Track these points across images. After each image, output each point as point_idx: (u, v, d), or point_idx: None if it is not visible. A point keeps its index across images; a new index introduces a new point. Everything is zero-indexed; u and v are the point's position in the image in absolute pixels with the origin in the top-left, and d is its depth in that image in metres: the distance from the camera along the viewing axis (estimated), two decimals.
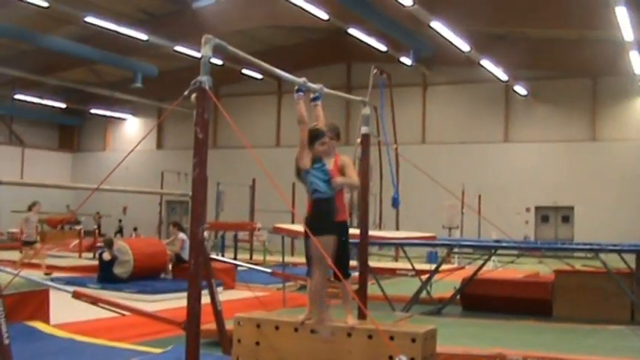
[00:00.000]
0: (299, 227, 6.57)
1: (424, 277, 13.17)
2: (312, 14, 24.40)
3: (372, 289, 10.14)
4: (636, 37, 23.06)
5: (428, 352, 6.13)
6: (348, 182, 6.70)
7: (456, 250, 16.87)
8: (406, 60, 30.70)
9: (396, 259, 22.92)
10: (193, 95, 5.36)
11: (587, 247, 12.54)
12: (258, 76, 35.44)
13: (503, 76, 31.60)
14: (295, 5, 23.38)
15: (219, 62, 28.11)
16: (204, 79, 5.23)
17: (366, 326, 6.26)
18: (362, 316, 6.83)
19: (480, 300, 12.70)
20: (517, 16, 25.74)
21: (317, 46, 34.93)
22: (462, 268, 17.28)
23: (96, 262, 15.62)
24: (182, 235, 15.50)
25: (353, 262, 8.57)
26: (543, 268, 17.90)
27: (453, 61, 31.19)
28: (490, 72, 30.84)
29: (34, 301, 8.92)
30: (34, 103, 39.34)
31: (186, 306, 5.11)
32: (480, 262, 14.01)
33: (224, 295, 11.29)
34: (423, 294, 12.68)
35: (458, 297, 12.97)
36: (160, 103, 39.72)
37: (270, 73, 6.32)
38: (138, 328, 9.02)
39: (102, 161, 41.74)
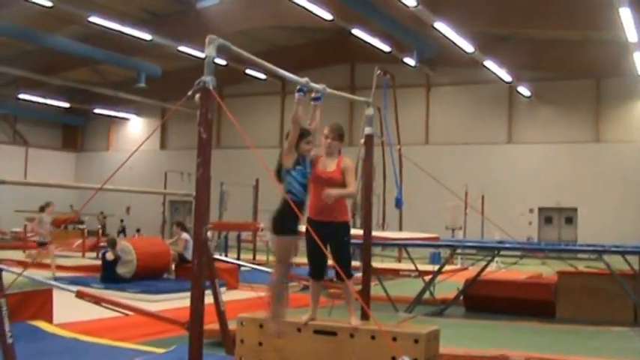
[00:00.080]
0: (302, 228, 6.55)
1: (427, 277, 13.16)
2: (316, 14, 24.39)
3: (375, 289, 10.14)
4: None
5: (431, 353, 6.13)
6: (343, 194, 6.57)
7: (459, 251, 16.84)
8: (410, 61, 30.69)
9: (399, 259, 22.89)
10: (197, 95, 5.36)
11: (591, 248, 12.51)
12: (262, 76, 35.44)
13: (507, 77, 31.58)
14: (299, 5, 23.37)
15: (223, 62, 28.11)
16: (209, 80, 5.23)
17: (369, 327, 6.26)
18: (365, 316, 6.83)
19: (483, 301, 12.69)
20: (521, 17, 25.72)
21: (320, 46, 34.93)
22: (465, 269, 17.26)
23: (99, 262, 15.62)
24: (185, 235, 15.50)
25: (356, 263, 8.58)
26: (546, 270, 17.88)
27: (456, 62, 31.16)
28: (494, 73, 30.82)
29: (38, 301, 8.93)
30: (37, 102, 39.35)
31: (190, 306, 5.11)
32: (483, 263, 13.98)
33: (227, 296, 11.27)
34: (426, 295, 12.66)
35: (461, 298, 12.96)
36: (164, 103, 39.76)
37: (274, 73, 6.32)
38: (141, 327, 9.02)
39: (105, 161, 41.75)
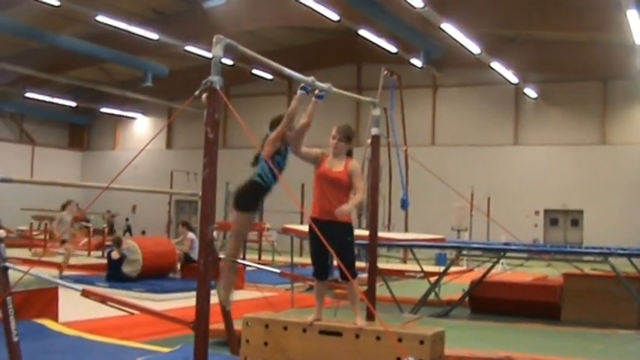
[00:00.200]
0: (307, 228, 6.56)
1: (433, 279, 13.17)
2: (323, 15, 24.39)
3: (381, 290, 10.13)
4: None
5: (436, 354, 6.13)
6: (355, 204, 6.59)
7: (464, 252, 16.85)
8: (416, 61, 30.70)
9: (404, 260, 22.87)
10: (204, 95, 5.36)
11: (597, 250, 12.51)
12: (269, 76, 35.46)
13: (514, 79, 31.56)
14: (306, 6, 23.37)
15: (230, 62, 28.14)
16: (216, 79, 5.22)
17: (374, 327, 6.25)
18: (370, 317, 6.82)
19: (489, 303, 12.69)
20: (528, 19, 25.71)
21: (327, 46, 34.93)
22: (471, 270, 17.27)
23: (105, 261, 15.64)
24: (191, 235, 15.51)
25: (361, 264, 8.57)
26: (552, 272, 17.85)
27: (463, 63, 31.14)
28: (500, 74, 30.80)
29: (43, 299, 8.95)
30: (44, 101, 39.45)
31: (195, 305, 5.11)
32: (489, 264, 13.98)
33: (232, 295, 11.28)
34: (432, 296, 12.66)
35: (466, 299, 12.95)
36: (170, 102, 39.80)
37: (280, 72, 6.31)
38: (146, 327, 9.03)
39: (111, 160, 41.83)
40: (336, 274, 6.69)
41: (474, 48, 27.08)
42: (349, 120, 31.39)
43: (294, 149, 6.66)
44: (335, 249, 5.88)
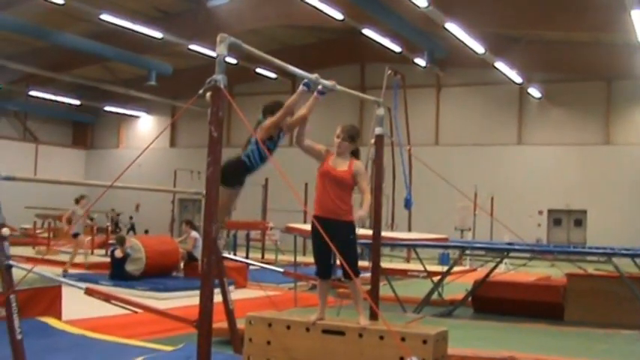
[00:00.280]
0: (307, 227, 6.56)
1: (436, 278, 13.17)
2: (327, 14, 24.39)
3: (384, 289, 10.12)
4: None
5: (439, 353, 6.13)
6: (368, 205, 6.52)
7: (468, 252, 16.83)
8: (420, 61, 30.69)
9: (407, 260, 22.89)
10: (208, 94, 5.37)
11: (600, 251, 12.49)
12: (272, 75, 35.47)
13: (518, 79, 31.54)
14: (309, 5, 23.37)
15: (234, 61, 28.15)
16: (220, 78, 5.23)
17: (377, 327, 6.24)
18: (374, 316, 6.82)
19: (492, 302, 12.68)
20: (532, 19, 25.70)
21: (331, 46, 34.91)
22: (474, 270, 17.26)
23: (108, 259, 15.66)
24: (194, 234, 15.51)
25: (365, 263, 8.57)
26: (555, 272, 17.83)
27: (467, 62, 31.15)
28: (504, 74, 30.77)
29: (47, 297, 8.97)
30: (48, 99, 39.49)
31: (199, 304, 5.11)
32: (492, 264, 13.97)
33: (236, 294, 11.30)
34: (435, 296, 12.66)
35: (469, 299, 12.95)
36: (174, 101, 39.80)
37: (284, 70, 6.32)
38: (149, 325, 9.04)
39: (115, 158, 41.85)
40: (339, 273, 6.68)
41: (478, 48, 27.07)
42: (353, 119, 31.39)
43: (297, 141, 6.72)
44: (337, 247, 5.88)
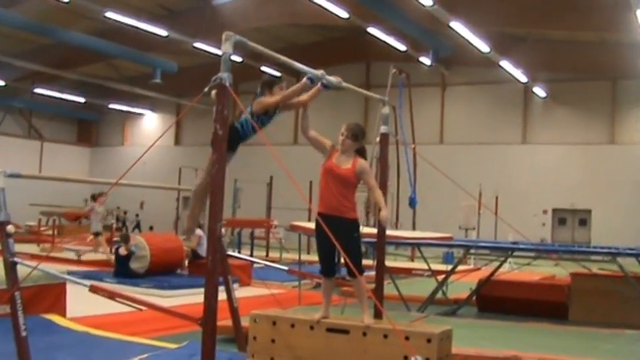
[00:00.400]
0: (312, 225, 6.56)
1: (440, 277, 13.15)
2: (332, 12, 24.39)
3: (388, 288, 10.12)
4: None
5: (443, 352, 6.12)
6: (383, 203, 6.60)
7: (472, 251, 16.83)
8: (425, 60, 30.67)
9: (412, 259, 22.88)
10: (213, 92, 5.36)
11: (605, 250, 12.47)
12: (277, 73, 35.45)
13: (523, 78, 31.50)
14: (315, 3, 23.37)
15: (239, 59, 28.15)
16: (225, 76, 5.23)
17: (381, 325, 6.24)
18: (378, 315, 6.82)
19: (496, 302, 12.67)
20: (537, 18, 25.66)
21: (336, 44, 34.89)
22: (478, 269, 17.22)
23: (112, 257, 15.68)
24: (199, 232, 15.50)
25: (369, 261, 8.57)
26: (560, 271, 17.83)
27: (472, 61, 31.11)
28: (509, 73, 30.75)
29: (52, 294, 8.98)
30: (53, 97, 39.54)
31: (204, 302, 5.11)
32: (497, 263, 13.95)
33: (240, 292, 11.29)
34: (439, 294, 12.65)
35: (473, 298, 12.94)
36: (179, 99, 39.83)
37: (289, 67, 6.33)
38: (153, 323, 9.04)
39: (120, 156, 41.93)
40: (344, 271, 6.68)
41: (483, 47, 27.04)
42: (358, 118, 31.38)
43: (302, 130, 6.75)
44: (341, 245, 5.88)
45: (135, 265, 13.94)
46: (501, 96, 34.27)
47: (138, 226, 38.11)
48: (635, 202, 30.79)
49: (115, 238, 21.16)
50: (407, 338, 5.93)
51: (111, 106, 42.34)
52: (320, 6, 23.61)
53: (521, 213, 29.30)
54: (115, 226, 26.39)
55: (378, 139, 7.95)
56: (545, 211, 33.24)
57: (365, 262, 6.78)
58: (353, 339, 6.20)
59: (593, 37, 29.19)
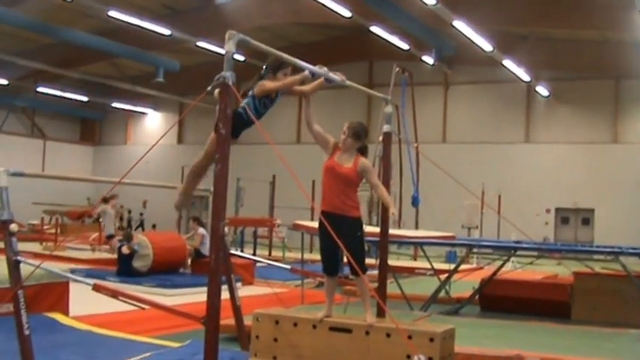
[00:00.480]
0: (315, 224, 6.55)
1: (443, 276, 13.16)
2: (335, 11, 24.37)
3: (391, 287, 10.13)
4: None
5: (446, 351, 6.12)
6: (389, 200, 6.67)
7: (475, 250, 16.82)
8: (428, 59, 30.64)
9: (414, 258, 22.87)
10: (216, 91, 5.36)
11: (608, 249, 12.46)
12: None
13: (525, 77, 31.47)
14: (317, 2, 23.35)
15: (242, 58, 28.15)
16: (228, 75, 5.23)
17: (384, 324, 6.24)
18: (381, 314, 6.81)
19: (499, 301, 12.68)
20: (540, 17, 25.64)
21: (339, 43, 34.84)
22: (481, 268, 17.23)
23: (115, 256, 15.69)
24: (202, 230, 15.53)
25: (372, 260, 8.57)
26: (562, 270, 17.81)
27: (474, 60, 31.07)
28: (512, 72, 30.71)
29: (54, 293, 8.99)
30: (56, 96, 39.53)
31: (206, 301, 5.11)
32: (499, 262, 13.96)
33: (243, 291, 11.31)
34: (442, 294, 12.66)
35: (476, 297, 12.94)
36: (182, 98, 39.83)
37: (293, 66, 6.33)
38: (156, 321, 9.06)
39: (123, 155, 41.94)
40: (347, 270, 6.68)
41: (486, 45, 27.01)
42: (360, 117, 31.36)
43: (306, 123, 6.73)
44: (344, 243, 5.88)
45: (137, 263, 13.96)
46: (504, 95, 34.23)
47: (142, 225, 38.11)
48: (639, 201, 30.74)
49: (118, 237, 21.20)
50: (410, 337, 5.93)
51: (114, 104, 42.35)
52: (323, 5, 23.58)
53: (524, 212, 29.22)
54: (119, 225, 26.35)
55: (380, 137, 7.94)
56: (548, 210, 33.19)
57: (368, 260, 6.78)
58: (356, 338, 6.20)
59: (596, 36, 29.15)
